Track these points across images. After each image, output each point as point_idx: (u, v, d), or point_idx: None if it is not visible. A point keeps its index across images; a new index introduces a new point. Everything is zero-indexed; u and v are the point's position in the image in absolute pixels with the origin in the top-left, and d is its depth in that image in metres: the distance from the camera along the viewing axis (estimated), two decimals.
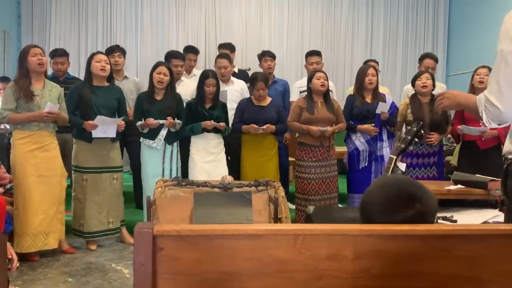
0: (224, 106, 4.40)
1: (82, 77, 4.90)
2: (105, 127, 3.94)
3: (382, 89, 5.08)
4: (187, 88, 4.80)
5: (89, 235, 4.08)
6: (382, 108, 4.30)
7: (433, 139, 4.23)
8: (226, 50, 5.41)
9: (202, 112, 4.26)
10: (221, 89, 4.45)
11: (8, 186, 3.97)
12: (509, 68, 1.65)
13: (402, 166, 4.17)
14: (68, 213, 4.12)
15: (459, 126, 4.16)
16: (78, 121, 3.97)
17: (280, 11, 7.48)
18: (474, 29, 6.76)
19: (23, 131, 3.72)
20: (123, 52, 4.96)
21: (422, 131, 2.21)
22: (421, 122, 2.24)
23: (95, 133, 3.93)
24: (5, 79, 5.84)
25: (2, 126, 5.66)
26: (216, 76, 4.36)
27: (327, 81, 4.37)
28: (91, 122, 3.90)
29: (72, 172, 4.09)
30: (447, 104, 1.94)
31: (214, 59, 5.04)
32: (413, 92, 4.48)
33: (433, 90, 4.35)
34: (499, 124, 1.75)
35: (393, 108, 4.47)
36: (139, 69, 7.14)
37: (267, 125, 4.34)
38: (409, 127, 2.22)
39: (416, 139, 2.19)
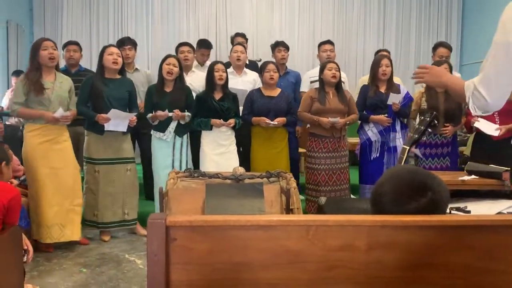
0: (235, 97, 4.37)
1: (94, 69, 4.94)
2: (117, 121, 3.96)
3: (394, 79, 5.03)
4: (201, 78, 4.80)
5: (103, 225, 4.12)
6: (393, 99, 4.25)
7: (447, 131, 4.19)
8: (240, 38, 5.54)
9: (212, 104, 4.23)
10: (235, 81, 4.50)
11: (22, 177, 4.03)
12: (499, 60, 1.64)
13: (417, 152, 4.16)
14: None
15: (475, 121, 4.05)
16: (90, 114, 3.99)
17: (291, 1, 7.43)
18: (489, 18, 6.65)
19: (35, 124, 3.76)
20: (134, 44, 4.96)
21: (436, 121, 2.18)
22: (434, 112, 2.21)
23: (107, 126, 3.96)
24: (19, 73, 5.88)
25: (16, 119, 5.72)
26: (224, 64, 4.38)
27: (339, 72, 4.34)
28: (104, 115, 3.92)
29: (84, 164, 4.12)
30: (429, 80, 1.92)
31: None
32: None
33: None
34: (483, 113, 1.74)
35: (407, 99, 4.41)
36: (150, 62, 7.17)
37: (278, 119, 4.31)
38: (422, 117, 2.19)
39: (430, 129, 2.16)
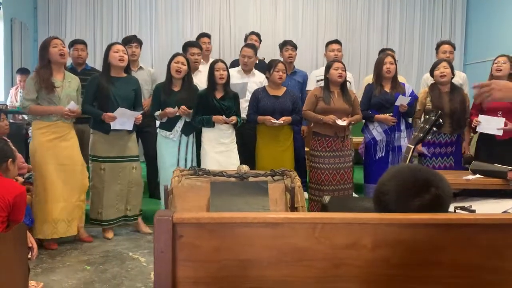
0: (235, 96, 4.35)
1: (99, 67, 4.95)
2: (123, 120, 3.96)
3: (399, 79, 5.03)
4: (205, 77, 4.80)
5: (107, 223, 4.12)
6: (402, 101, 4.23)
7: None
8: (254, 37, 5.52)
9: (212, 103, 4.23)
10: (242, 81, 4.44)
11: (26, 175, 4.04)
12: None
13: (424, 150, 4.18)
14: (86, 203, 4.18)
15: (476, 124, 4.07)
16: (96, 112, 3.99)
17: (295, 0, 7.42)
18: (493, 17, 6.64)
19: (42, 121, 3.80)
20: (139, 42, 4.97)
21: (441, 120, 2.18)
22: (439, 111, 2.21)
23: (114, 125, 3.96)
24: (23, 71, 5.90)
25: (20, 117, 5.74)
26: (225, 62, 4.36)
27: (345, 71, 4.33)
28: (110, 114, 3.92)
29: (90, 162, 4.13)
30: (499, 97, 1.74)
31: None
32: (432, 81, 4.41)
33: (452, 78, 4.29)
34: None
35: (413, 97, 4.40)
36: (154, 59, 7.18)
37: (284, 118, 4.30)
38: (427, 116, 2.19)
39: (435, 128, 2.16)
